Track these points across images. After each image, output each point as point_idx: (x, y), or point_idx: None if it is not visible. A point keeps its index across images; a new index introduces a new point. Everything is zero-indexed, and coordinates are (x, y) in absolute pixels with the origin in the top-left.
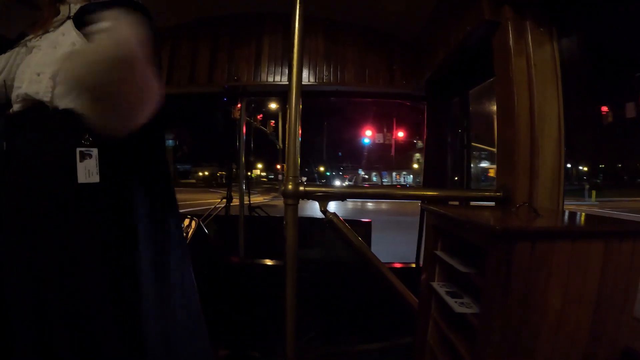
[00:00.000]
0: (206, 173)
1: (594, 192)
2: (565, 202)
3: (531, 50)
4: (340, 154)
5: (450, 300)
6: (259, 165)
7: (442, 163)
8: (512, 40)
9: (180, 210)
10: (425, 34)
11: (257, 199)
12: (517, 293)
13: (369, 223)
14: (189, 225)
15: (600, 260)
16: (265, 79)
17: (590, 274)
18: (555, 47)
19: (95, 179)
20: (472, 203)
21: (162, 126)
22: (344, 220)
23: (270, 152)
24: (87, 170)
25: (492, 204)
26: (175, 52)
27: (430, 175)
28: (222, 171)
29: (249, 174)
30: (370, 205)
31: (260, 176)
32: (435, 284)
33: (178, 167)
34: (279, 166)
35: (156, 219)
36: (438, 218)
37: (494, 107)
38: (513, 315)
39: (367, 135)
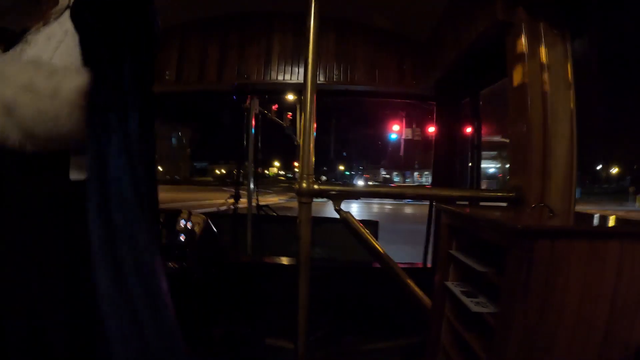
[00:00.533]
0: (223, 171)
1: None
2: (606, 208)
3: (544, 51)
4: (358, 152)
5: (466, 300)
6: (276, 163)
7: (452, 163)
8: (525, 42)
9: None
10: (435, 34)
11: (271, 199)
12: (536, 292)
13: (376, 223)
14: (198, 222)
15: (616, 260)
16: (276, 77)
17: (606, 273)
18: (569, 48)
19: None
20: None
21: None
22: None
23: (288, 148)
24: (82, 166)
25: (501, 204)
26: (184, 50)
27: (440, 175)
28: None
29: (266, 172)
30: (388, 208)
31: (278, 174)
32: (450, 284)
33: (195, 164)
34: (297, 164)
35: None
36: (453, 217)
37: None
38: (532, 314)
39: (395, 131)
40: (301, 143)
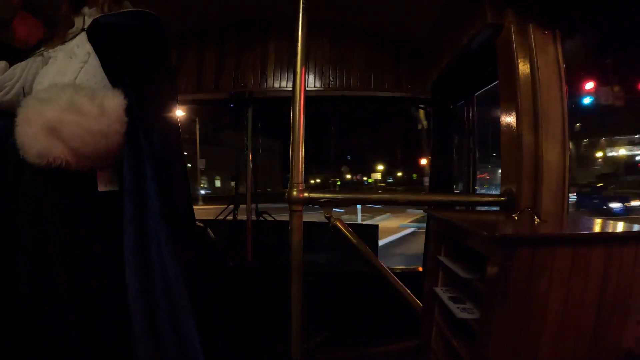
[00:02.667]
0: (318, 180)
1: None
2: None
3: (535, 53)
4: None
5: (453, 306)
6: (379, 167)
7: (448, 167)
8: (515, 44)
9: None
10: (430, 37)
11: (389, 224)
12: (517, 299)
13: (375, 227)
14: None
15: (602, 265)
16: (272, 85)
17: (592, 279)
18: (559, 49)
19: (115, 187)
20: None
21: (178, 140)
22: (349, 224)
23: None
24: (107, 179)
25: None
26: (181, 59)
27: (437, 180)
28: (334, 177)
29: (365, 178)
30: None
31: (377, 181)
32: (438, 289)
33: (287, 175)
34: (424, 162)
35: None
36: (440, 224)
37: None
38: (513, 321)
39: (589, 91)
40: (290, 152)
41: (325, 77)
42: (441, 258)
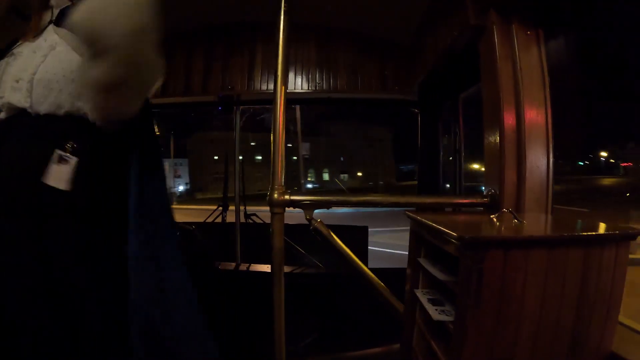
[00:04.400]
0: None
1: None
2: None
3: (517, 54)
4: None
5: (431, 308)
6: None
7: (436, 168)
8: (498, 45)
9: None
10: (416, 39)
11: None
12: (490, 301)
13: (365, 228)
14: (184, 233)
15: (580, 267)
16: (259, 87)
17: (570, 281)
18: (543, 50)
19: (62, 185)
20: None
21: (151, 123)
22: (339, 226)
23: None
24: (59, 176)
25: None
26: (170, 62)
27: (424, 181)
28: None
29: None
30: None
31: None
32: (418, 291)
33: (402, 167)
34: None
35: (149, 219)
36: (418, 225)
37: None
38: (487, 323)
39: None
40: (271, 155)
41: (312, 79)
42: (421, 260)
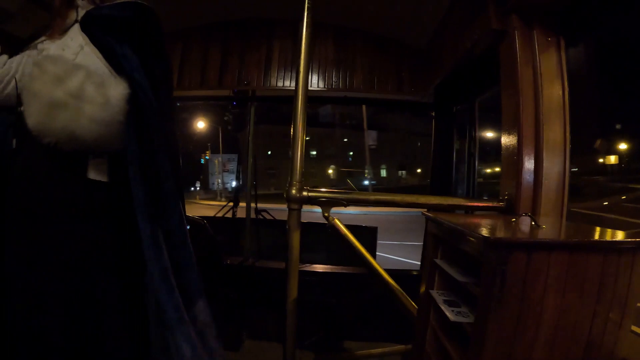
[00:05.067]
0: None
1: None
2: None
3: (538, 59)
4: None
5: (447, 309)
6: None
7: (449, 171)
8: (518, 49)
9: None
10: (433, 41)
11: None
12: (511, 304)
13: (374, 229)
14: (196, 226)
15: (598, 273)
16: (275, 84)
17: (587, 286)
18: (563, 56)
19: (103, 178)
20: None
21: (173, 127)
22: (348, 225)
23: None
24: (99, 169)
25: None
26: (186, 55)
27: (437, 183)
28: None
29: None
30: None
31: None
32: (434, 292)
33: None
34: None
35: (160, 219)
36: (437, 227)
37: None
38: (507, 326)
39: None
40: (291, 151)
41: (329, 77)
42: (437, 261)
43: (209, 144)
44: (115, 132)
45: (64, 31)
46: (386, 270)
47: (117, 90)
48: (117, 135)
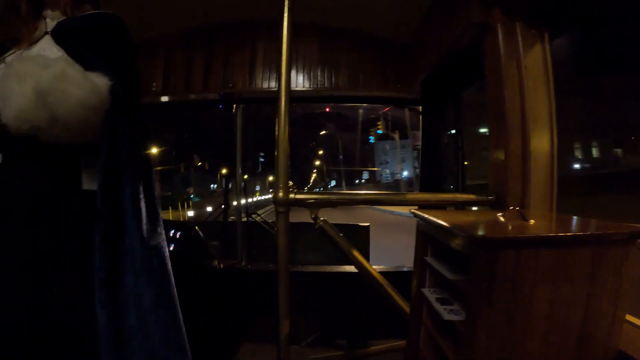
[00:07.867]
0: None
1: None
2: None
3: (522, 52)
4: None
5: (440, 307)
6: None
7: (438, 166)
8: (502, 43)
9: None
10: (418, 37)
11: None
12: (501, 301)
13: (367, 227)
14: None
15: (589, 266)
16: (260, 86)
17: (578, 280)
18: (547, 48)
19: (94, 186)
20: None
21: (143, 140)
22: (341, 225)
23: None
24: (91, 179)
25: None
26: (170, 60)
27: (427, 179)
28: None
29: None
30: None
31: None
32: (426, 290)
33: None
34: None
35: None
36: (426, 224)
37: None
38: (498, 323)
39: None
40: (276, 153)
41: (314, 77)
42: (427, 259)
43: None
44: (98, 121)
45: (33, 43)
46: (377, 269)
47: (101, 79)
48: (96, 127)
